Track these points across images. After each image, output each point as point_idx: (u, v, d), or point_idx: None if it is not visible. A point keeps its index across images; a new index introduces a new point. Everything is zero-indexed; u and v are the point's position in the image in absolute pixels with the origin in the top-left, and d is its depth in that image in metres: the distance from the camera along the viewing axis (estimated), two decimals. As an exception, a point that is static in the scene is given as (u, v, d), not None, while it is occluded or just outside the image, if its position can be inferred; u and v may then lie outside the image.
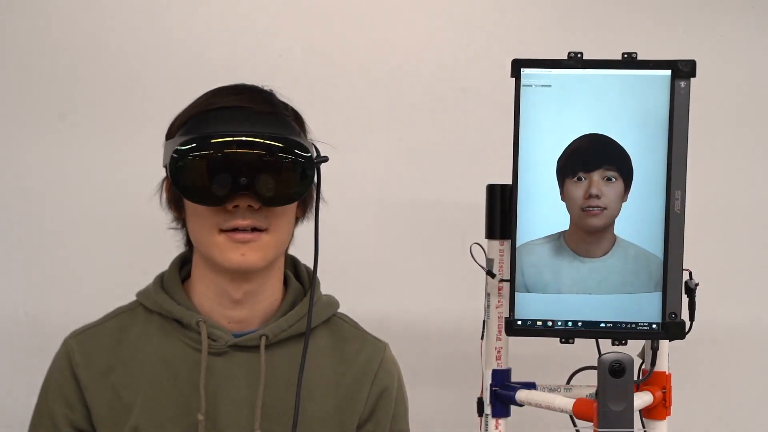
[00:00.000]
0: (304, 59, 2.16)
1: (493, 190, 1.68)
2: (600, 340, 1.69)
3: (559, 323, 1.61)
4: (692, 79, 1.57)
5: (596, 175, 1.59)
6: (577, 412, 1.59)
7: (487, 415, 1.71)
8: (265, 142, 1.36)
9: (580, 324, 1.61)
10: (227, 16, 2.16)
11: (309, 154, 1.40)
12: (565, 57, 1.60)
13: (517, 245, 1.61)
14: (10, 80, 2.11)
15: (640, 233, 1.59)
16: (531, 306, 1.61)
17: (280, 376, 1.46)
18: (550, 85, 1.59)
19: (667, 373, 1.70)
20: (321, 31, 2.18)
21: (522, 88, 1.60)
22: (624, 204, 1.59)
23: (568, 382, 1.75)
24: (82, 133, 2.12)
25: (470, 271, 1.70)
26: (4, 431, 1.98)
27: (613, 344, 1.60)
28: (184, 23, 2.15)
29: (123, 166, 2.08)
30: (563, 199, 1.60)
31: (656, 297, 1.59)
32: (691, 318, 1.68)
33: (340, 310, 1.58)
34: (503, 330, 1.67)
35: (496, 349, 1.71)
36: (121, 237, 2.11)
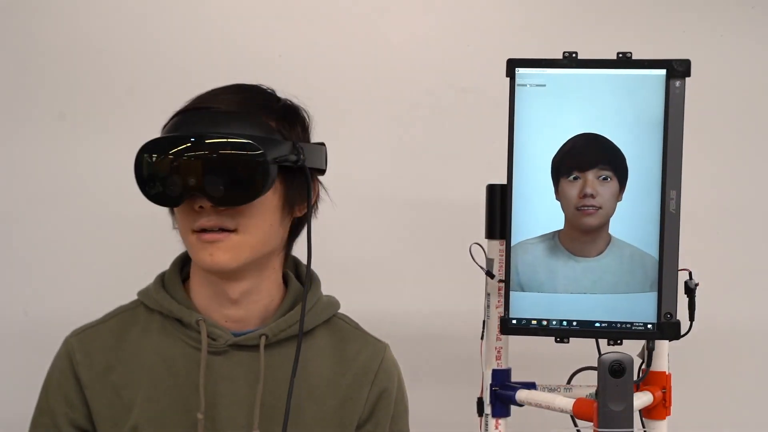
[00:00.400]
0: (304, 59, 2.16)
1: (493, 190, 1.68)
2: (600, 340, 1.68)
3: (554, 323, 1.61)
4: (689, 78, 1.57)
5: (591, 175, 1.58)
6: (577, 412, 1.59)
7: (487, 415, 1.71)
8: (208, 142, 1.36)
9: (575, 323, 1.60)
10: (227, 17, 2.16)
11: (258, 152, 1.36)
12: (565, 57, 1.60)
13: (512, 244, 1.61)
14: (10, 80, 2.11)
15: (635, 233, 1.58)
16: (526, 305, 1.61)
17: (279, 375, 1.46)
18: (544, 85, 1.59)
19: (667, 373, 1.70)
20: (321, 31, 2.18)
21: (517, 87, 1.59)
22: (619, 204, 1.58)
23: (568, 382, 1.75)
24: (82, 133, 2.12)
25: (470, 271, 1.70)
26: (4, 431, 1.98)
27: (609, 344, 1.59)
28: (185, 23, 2.15)
29: (123, 166, 2.07)
30: (558, 198, 1.60)
31: (651, 297, 1.58)
32: (691, 318, 1.68)
33: (341, 310, 1.58)
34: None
35: (496, 349, 1.71)
36: (121, 237, 2.11)
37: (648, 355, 1.68)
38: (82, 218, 2.11)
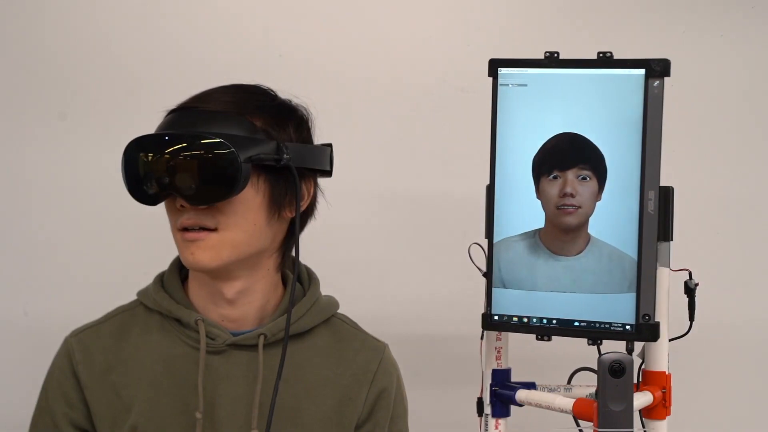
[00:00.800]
0: (304, 59, 2.16)
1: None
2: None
3: (534, 320, 1.60)
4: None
5: (571, 174, 1.58)
6: (577, 412, 1.58)
7: (487, 415, 1.71)
8: (178, 141, 1.37)
9: (554, 322, 1.59)
10: (227, 16, 2.16)
11: (227, 151, 1.35)
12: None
13: (495, 241, 1.61)
14: (10, 80, 2.11)
15: (614, 233, 1.56)
16: (507, 301, 1.61)
17: (278, 375, 1.46)
18: (526, 84, 1.59)
19: (667, 373, 1.70)
20: (321, 31, 2.18)
21: (499, 87, 1.60)
22: (598, 203, 1.57)
23: (569, 382, 1.75)
24: (82, 133, 2.12)
25: (471, 271, 1.70)
26: (4, 431, 1.98)
27: (589, 344, 1.59)
28: (185, 23, 2.15)
29: (123, 166, 2.08)
30: (539, 197, 1.59)
31: (630, 298, 1.56)
32: (691, 318, 1.67)
33: (341, 310, 1.58)
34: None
35: (496, 349, 1.71)
36: (121, 237, 2.11)
37: (631, 353, 1.66)
38: (82, 218, 2.11)
